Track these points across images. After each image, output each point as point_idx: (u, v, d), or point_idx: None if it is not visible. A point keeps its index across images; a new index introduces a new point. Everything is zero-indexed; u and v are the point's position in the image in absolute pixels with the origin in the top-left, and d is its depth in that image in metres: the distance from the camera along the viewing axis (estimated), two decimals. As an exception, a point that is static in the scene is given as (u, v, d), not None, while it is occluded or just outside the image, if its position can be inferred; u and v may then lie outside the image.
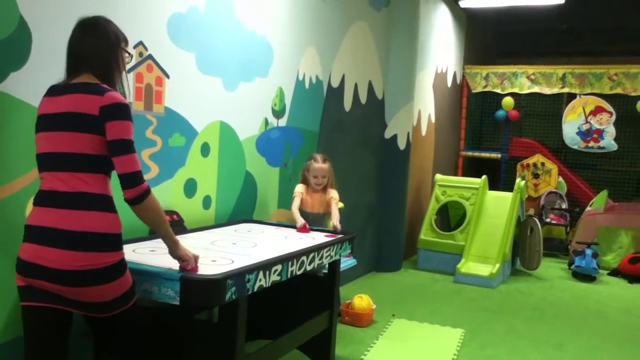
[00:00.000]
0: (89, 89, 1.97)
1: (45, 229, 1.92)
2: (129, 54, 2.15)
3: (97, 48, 2.02)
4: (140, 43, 2.88)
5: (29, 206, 2.33)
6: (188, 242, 2.78)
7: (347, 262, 4.23)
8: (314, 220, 3.68)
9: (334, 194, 3.82)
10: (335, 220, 3.60)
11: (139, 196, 1.98)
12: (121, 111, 1.96)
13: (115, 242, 1.98)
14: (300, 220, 3.51)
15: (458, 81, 8.55)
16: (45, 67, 2.39)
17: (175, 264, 2.24)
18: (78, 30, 2.05)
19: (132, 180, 1.97)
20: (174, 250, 2.16)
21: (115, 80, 2.07)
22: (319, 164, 3.79)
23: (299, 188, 3.86)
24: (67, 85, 2.01)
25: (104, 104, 1.94)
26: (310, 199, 3.84)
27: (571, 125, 8.07)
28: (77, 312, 2.01)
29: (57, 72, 2.41)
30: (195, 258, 2.22)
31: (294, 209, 3.71)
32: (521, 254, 6.56)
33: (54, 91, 2.03)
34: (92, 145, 1.95)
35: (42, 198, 1.98)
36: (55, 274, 1.90)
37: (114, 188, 2.05)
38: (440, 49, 7.60)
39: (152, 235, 2.83)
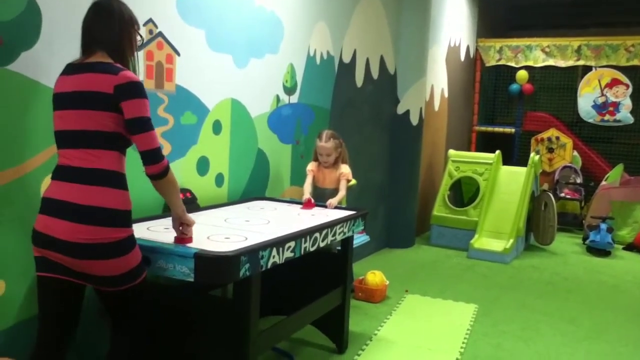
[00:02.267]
0: (102, 68, 2.01)
1: (57, 202, 1.99)
2: (141, 36, 2.22)
3: (110, 29, 2.07)
4: (150, 20, 2.86)
5: (45, 184, 2.37)
6: (201, 219, 2.80)
7: (360, 239, 4.24)
8: (329, 196, 3.66)
9: (344, 169, 3.80)
10: (334, 198, 3.55)
11: (161, 172, 2.08)
12: (136, 89, 2.01)
13: (123, 218, 2.02)
14: (305, 196, 3.53)
15: (471, 55, 8.44)
16: (56, 46, 2.38)
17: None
18: (92, 11, 2.10)
19: (154, 157, 2.05)
20: (182, 216, 2.24)
21: (127, 60, 2.12)
22: (322, 143, 3.78)
23: (310, 165, 3.86)
24: (81, 64, 2.06)
25: (118, 82, 1.98)
26: (322, 175, 3.84)
27: (586, 98, 7.95)
28: (88, 285, 2.07)
29: (67, 50, 2.42)
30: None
31: (305, 186, 3.73)
32: (535, 229, 6.53)
33: (68, 70, 2.08)
34: (106, 122, 1.99)
35: (58, 172, 2.04)
36: (64, 245, 1.96)
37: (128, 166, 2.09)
38: (453, 22, 7.48)
39: (165, 213, 2.84)
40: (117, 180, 2.03)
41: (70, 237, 1.94)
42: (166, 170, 2.09)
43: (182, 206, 2.23)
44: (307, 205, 3.44)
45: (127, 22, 2.12)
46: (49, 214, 1.99)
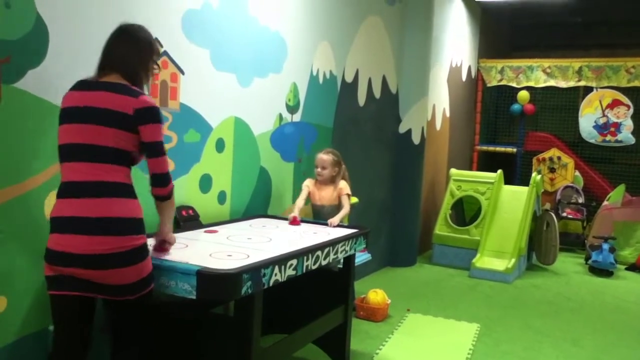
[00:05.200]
0: (121, 90, 2.09)
1: (71, 219, 2.01)
2: (158, 65, 2.32)
3: (131, 55, 2.17)
4: (155, 39, 2.89)
5: (48, 201, 2.38)
6: (203, 237, 2.81)
7: (362, 257, 4.24)
8: (327, 214, 3.67)
9: (342, 184, 3.79)
10: (336, 216, 3.53)
11: (167, 195, 2.22)
12: (154, 115, 2.12)
13: (138, 226, 2.09)
14: (292, 213, 3.53)
15: (473, 75, 8.50)
16: (63, 64, 2.41)
17: (190, 259, 2.30)
18: (117, 34, 2.19)
19: (163, 181, 2.19)
20: (168, 234, 2.34)
21: (142, 85, 2.21)
22: (320, 154, 3.81)
23: (306, 182, 3.87)
24: (96, 82, 2.12)
25: (138, 106, 2.08)
26: (319, 193, 3.83)
27: (588, 118, 7.98)
28: (101, 297, 2.10)
29: (74, 68, 2.45)
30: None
31: (296, 201, 3.72)
32: (537, 248, 6.51)
33: (81, 86, 2.12)
34: (117, 139, 2.06)
35: (65, 190, 2.07)
36: (83, 259, 1.99)
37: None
38: (455, 42, 7.55)
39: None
40: (127, 191, 2.09)
41: (88, 250, 1.98)
42: (171, 193, 2.22)
43: (171, 226, 2.37)
44: (292, 222, 3.46)
45: (148, 52, 2.24)
46: (62, 232, 2.02)
